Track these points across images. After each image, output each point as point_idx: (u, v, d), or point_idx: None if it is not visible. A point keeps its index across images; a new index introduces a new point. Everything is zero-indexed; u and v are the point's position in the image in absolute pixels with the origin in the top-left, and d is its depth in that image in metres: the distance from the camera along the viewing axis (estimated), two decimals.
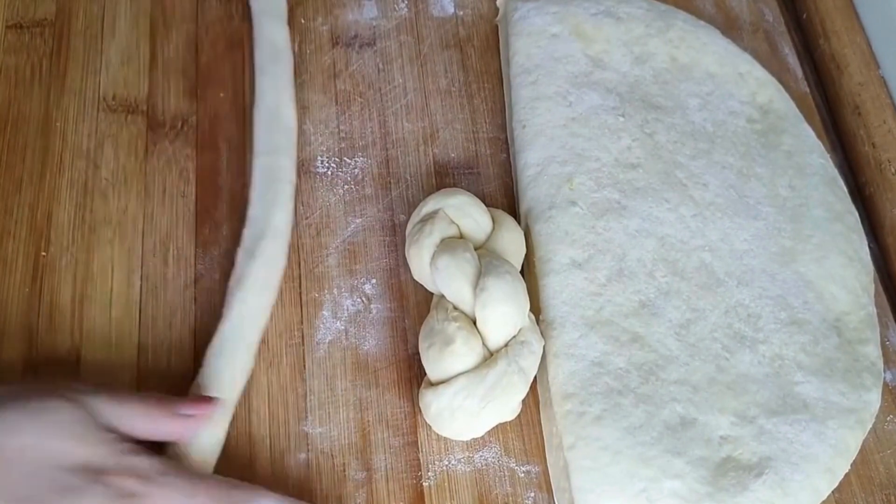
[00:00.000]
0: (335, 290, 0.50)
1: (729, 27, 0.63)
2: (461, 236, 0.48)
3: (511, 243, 0.49)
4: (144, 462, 0.40)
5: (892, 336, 0.53)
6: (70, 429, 0.39)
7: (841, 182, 0.56)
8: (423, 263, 0.48)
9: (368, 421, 0.47)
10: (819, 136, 0.58)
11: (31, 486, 0.38)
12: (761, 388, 0.47)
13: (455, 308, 0.46)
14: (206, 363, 0.46)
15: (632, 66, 0.57)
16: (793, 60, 0.63)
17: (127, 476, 0.39)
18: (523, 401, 0.46)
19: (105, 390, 0.41)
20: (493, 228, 0.49)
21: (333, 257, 0.51)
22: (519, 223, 0.52)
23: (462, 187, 0.52)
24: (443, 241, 0.47)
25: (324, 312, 0.50)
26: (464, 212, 0.48)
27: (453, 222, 0.48)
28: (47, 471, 0.38)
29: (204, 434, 0.43)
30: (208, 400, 0.43)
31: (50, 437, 0.38)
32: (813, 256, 0.52)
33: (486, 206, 0.50)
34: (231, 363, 0.46)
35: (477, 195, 0.50)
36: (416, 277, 0.50)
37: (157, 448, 0.42)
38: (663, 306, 0.49)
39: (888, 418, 0.50)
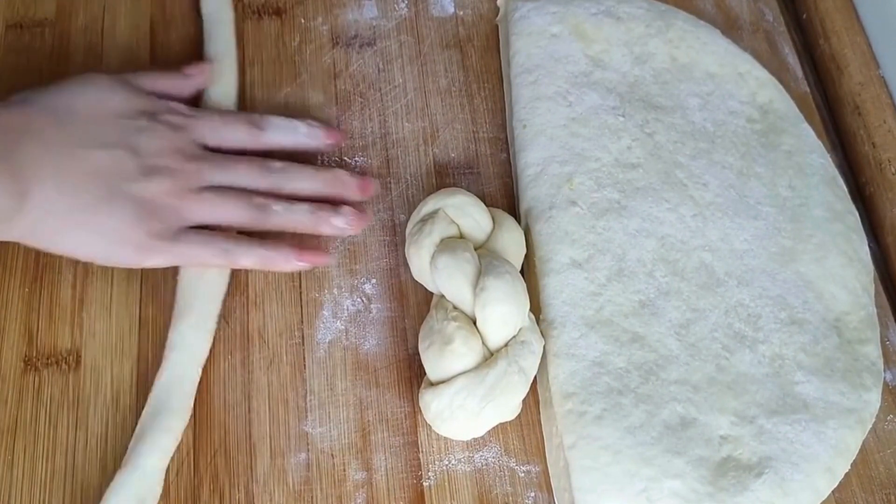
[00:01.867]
0: (335, 290, 0.50)
1: (729, 27, 0.63)
2: (461, 236, 0.48)
3: (511, 243, 0.49)
4: (182, 107, 0.50)
5: (892, 336, 0.53)
6: (117, 89, 0.48)
7: (841, 182, 0.56)
8: (423, 263, 0.48)
9: (368, 421, 0.47)
10: (819, 136, 0.58)
11: (112, 134, 0.46)
12: (761, 387, 0.47)
13: (455, 308, 0.46)
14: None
15: (632, 66, 0.57)
16: (793, 60, 0.63)
17: (173, 114, 0.49)
18: (523, 401, 0.46)
19: (125, 72, 0.50)
20: (493, 228, 0.49)
21: (333, 257, 0.51)
22: (519, 223, 0.52)
23: (462, 187, 0.52)
24: (443, 240, 0.47)
25: (324, 312, 0.50)
26: (464, 212, 0.48)
27: (453, 222, 0.48)
28: (118, 121, 0.47)
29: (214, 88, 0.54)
30: (201, 65, 0.53)
31: (106, 96, 0.47)
32: (813, 256, 0.52)
33: (486, 206, 0.50)
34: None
35: (477, 195, 0.50)
36: (416, 277, 0.50)
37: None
38: (663, 306, 0.49)
39: (888, 418, 0.50)
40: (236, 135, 0.50)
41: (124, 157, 0.46)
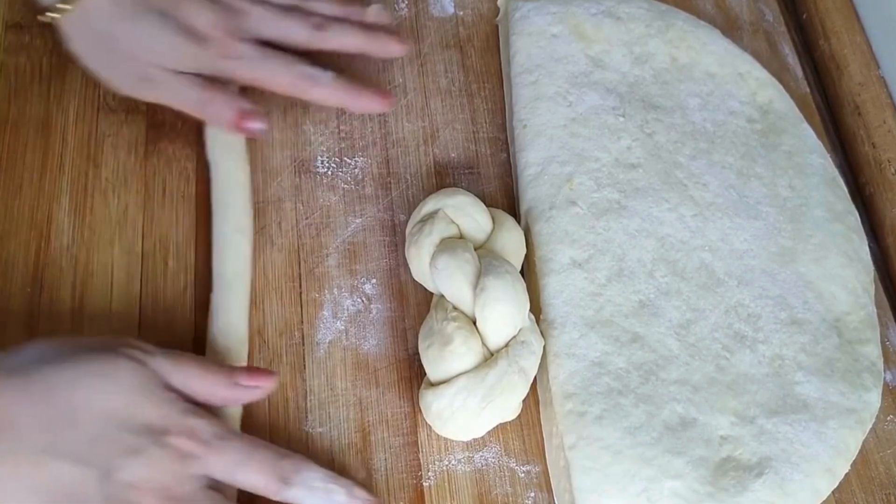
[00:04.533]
0: (335, 290, 0.50)
1: (729, 27, 0.63)
2: (461, 236, 0.48)
3: (511, 243, 0.49)
4: (204, 424, 0.41)
5: (892, 336, 0.53)
6: (134, 389, 0.39)
7: (841, 182, 0.56)
8: (423, 263, 0.48)
9: (368, 421, 0.47)
10: (819, 136, 0.58)
11: (94, 445, 0.38)
12: (761, 388, 0.47)
13: (455, 308, 0.46)
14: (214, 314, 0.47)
15: (632, 66, 0.57)
16: (793, 60, 0.63)
17: (186, 437, 0.40)
18: (523, 401, 0.46)
19: (167, 353, 0.42)
20: (493, 228, 0.49)
21: (333, 257, 0.51)
22: (519, 223, 0.52)
23: (462, 187, 0.52)
24: (443, 241, 0.47)
25: (324, 312, 0.50)
26: (464, 212, 0.48)
27: (453, 222, 0.48)
28: (111, 430, 0.38)
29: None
30: (267, 373, 0.44)
31: (114, 396, 0.39)
32: (813, 256, 0.52)
33: (486, 206, 0.50)
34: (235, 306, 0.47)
35: (477, 195, 0.50)
36: (416, 277, 0.50)
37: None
38: (663, 306, 0.49)
39: (888, 418, 0.50)
40: (253, 478, 0.41)
41: (89, 479, 0.37)
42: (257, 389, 0.44)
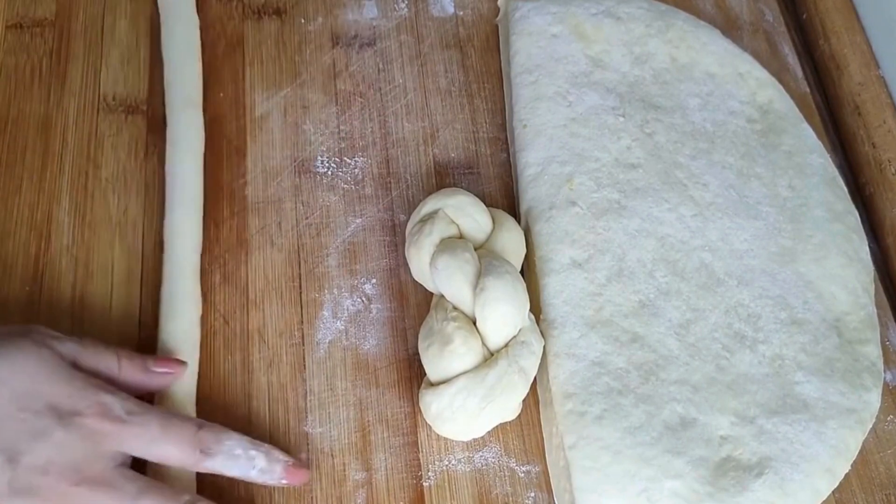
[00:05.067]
0: (335, 290, 0.50)
1: (729, 27, 0.63)
2: (461, 236, 0.48)
3: (511, 243, 0.49)
4: (115, 401, 0.40)
5: (892, 336, 0.53)
6: (39, 370, 0.39)
7: (841, 182, 0.56)
8: (422, 263, 0.48)
9: (368, 421, 0.47)
10: (819, 136, 0.58)
11: (4, 427, 0.37)
12: (761, 388, 0.47)
13: (455, 308, 0.46)
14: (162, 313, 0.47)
15: (632, 66, 0.57)
16: (793, 60, 0.63)
17: (98, 416, 0.39)
18: (523, 401, 0.46)
19: (78, 339, 0.42)
20: (493, 228, 0.49)
21: (333, 257, 0.51)
22: (519, 223, 0.52)
23: (462, 187, 0.52)
24: (442, 241, 0.47)
25: (324, 312, 0.50)
26: (464, 212, 0.48)
27: (453, 222, 0.48)
28: (15, 414, 0.37)
29: (177, 386, 0.45)
30: (177, 361, 0.45)
31: (17, 378, 0.38)
32: (813, 256, 0.52)
33: (486, 206, 0.50)
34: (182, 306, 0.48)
35: (477, 195, 0.50)
36: (416, 277, 0.50)
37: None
38: (663, 306, 0.49)
39: (888, 418, 0.50)
40: (171, 452, 0.41)
41: None
42: (168, 375, 0.44)
